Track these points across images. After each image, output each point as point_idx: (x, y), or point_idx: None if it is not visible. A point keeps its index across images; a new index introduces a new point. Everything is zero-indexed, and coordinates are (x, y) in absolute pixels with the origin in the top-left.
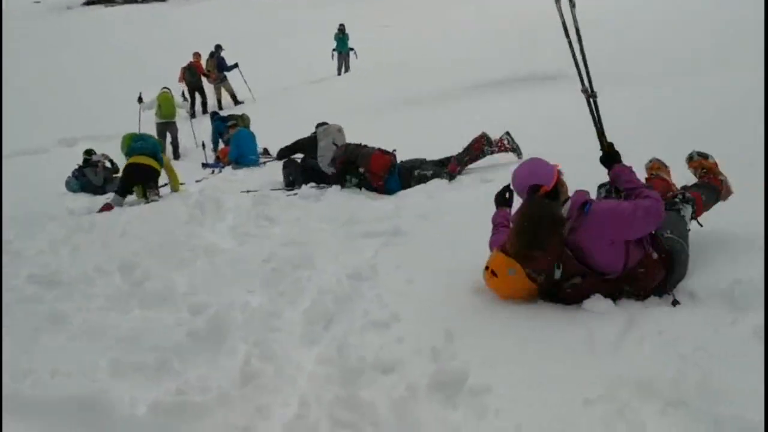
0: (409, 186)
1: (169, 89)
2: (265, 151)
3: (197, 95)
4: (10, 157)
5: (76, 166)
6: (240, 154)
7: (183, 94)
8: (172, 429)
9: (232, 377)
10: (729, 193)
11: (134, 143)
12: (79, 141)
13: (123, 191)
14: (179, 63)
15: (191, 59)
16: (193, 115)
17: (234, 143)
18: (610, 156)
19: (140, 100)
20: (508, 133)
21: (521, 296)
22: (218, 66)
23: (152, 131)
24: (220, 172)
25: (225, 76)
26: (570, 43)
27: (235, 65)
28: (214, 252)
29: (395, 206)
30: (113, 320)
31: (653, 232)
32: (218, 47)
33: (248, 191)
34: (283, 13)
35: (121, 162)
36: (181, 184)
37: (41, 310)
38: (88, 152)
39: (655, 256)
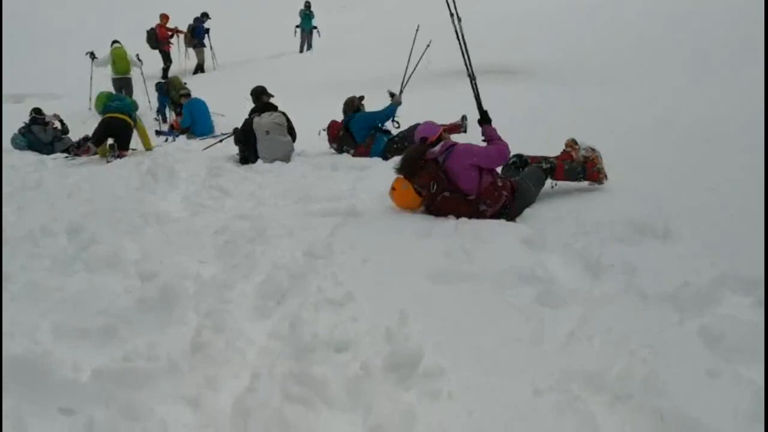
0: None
1: (120, 44)
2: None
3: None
4: None
5: (23, 123)
6: (193, 122)
7: (137, 56)
8: (117, 396)
9: (182, 347)
10: (601, 178)
11: (111, 102)
12: (27, 98)
13: (98, 141)
14: (141, 22)
15: (158, 21)
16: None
17: (186, 112)
18: (483, 118)
19: (92, 56)
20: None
21: (412, 207)
22: (192, 31)
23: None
24: (174, 140)
25: (199, 42)
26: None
27: (206, 31)
28: (165, 220)
29: (352, 187)
30: (58, 282)
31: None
32: (204, 15)
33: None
34: None
35: (72, 123)
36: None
37: None
38: (37, 111)
39: (500, 183)
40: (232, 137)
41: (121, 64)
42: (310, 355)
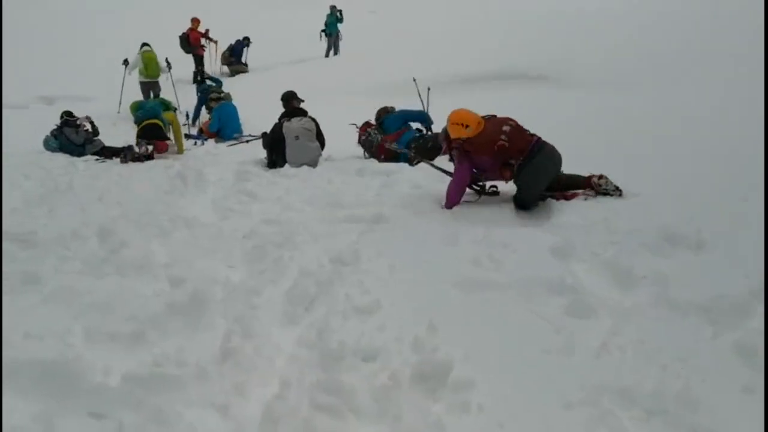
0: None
1: (150, 47)
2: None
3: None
4: None
5: (55, 126)
6: (221, 127)
7: (167, 59)
8: (146, 401)
9: (211, 353)
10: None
11: (138, 113)
12: (58, 100)
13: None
14: (169, 27)
15: (190, 25)
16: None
17: (216, 116)
18: None
19: (126, 63)
20: None
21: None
22: (231, 50)
23: (136, 93)
24: (203, 144)
25: (236, 61)
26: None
27: (246, 43)
28: (194, 224)
29: (378, 192)
30: (89, 285)
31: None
32: (246, 39)
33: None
34: None
35: (102, 125)
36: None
37: (14, 269)
38: (68, 113)
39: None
40: (261, 141)
41: (151, 67)
42: (337, 363)
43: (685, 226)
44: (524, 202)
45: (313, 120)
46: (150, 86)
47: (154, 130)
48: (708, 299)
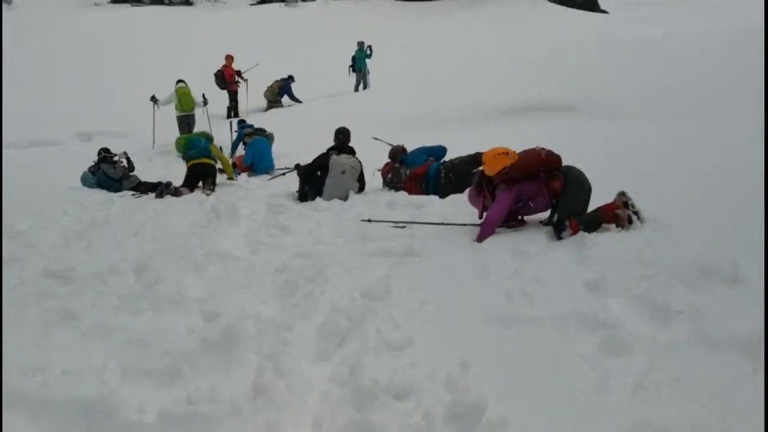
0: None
1: (185, 83)
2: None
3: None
4: (27, 148)
5: (93, 162)
6: (255, 161)
7: (203, 95)
8: None
9: (243, 390)
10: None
11: (189, 151)
12: (96, 136)
13: (190, 186)
14: (203, 65)
15: (224, 62)
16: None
17: (249, 150)
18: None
19: (154, 99)
20: None
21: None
22: (281, 91)
23: (169, 128)
24: (236, 179)
25: (280, 101)
26: None
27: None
28: (227, 258)
29: (409, 226)
30: (125, 321)
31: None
32: (290, 77)
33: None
34: (303, 24)
35: (138, 160)
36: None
37: (54, 305)
38: (106, 150)
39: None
40: (295, 172)
41: (186, 101)
42: (370, 402)
43: (719, 259)
44: (576, 209)
45: (360, 162)
46: (186, 119)
47: (206, 169)
48: (745, 334)
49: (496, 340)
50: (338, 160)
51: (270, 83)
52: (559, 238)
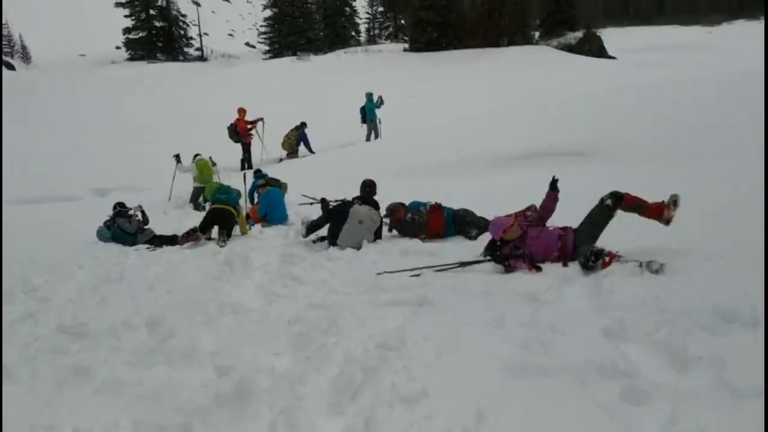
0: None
1: (202, 155)
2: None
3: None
4: (44, 203)
5: (108, 217)
6: (268, 212)
7: (210, 158)
8: None
9: None
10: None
11: (219, 195)
12: (112, 191)
13: (203, 229)
14: (217, 119)
15: (237, 116)
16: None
17: (263, 202)
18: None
19: (178, 159)
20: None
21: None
22: (299, 139)
23: (184, 181)
24: (249, 229)
25: (297, 150)
26: None
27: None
28: (240, 310)
29: (422, 274)
30: (138, 376)
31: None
32: (303, 124)
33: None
34: (316, 76)
35: (153, 214)
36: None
37: (67, 362)
38: (121, 204)
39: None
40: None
41: (206, 172)
42: None
43: (739, 302)
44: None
45: (380, 217)
46: (202, 190)
47: (226, 217)
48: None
49: (512, 391)
50: (359, 210)
51: (287, 133)
52: (590, 266)
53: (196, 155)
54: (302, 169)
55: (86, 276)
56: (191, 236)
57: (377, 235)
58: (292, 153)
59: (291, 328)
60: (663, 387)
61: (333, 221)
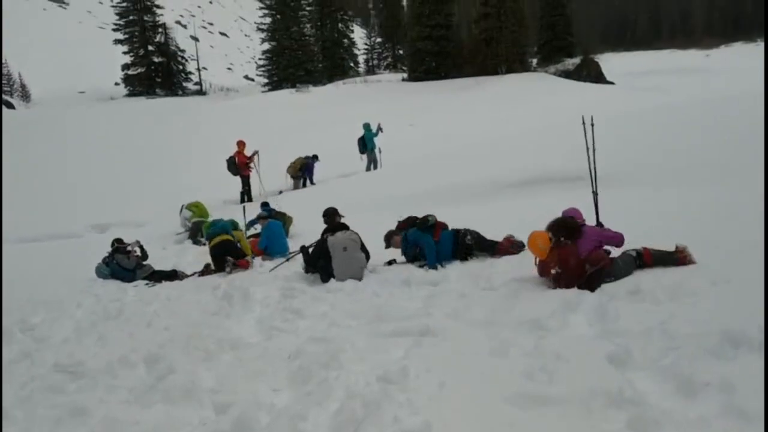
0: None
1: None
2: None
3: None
4: (44, 242)
5: (107, 253)
6: (269, 244)
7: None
8: None
9: None
10: (690, 261)
11: (212, 230)
12: (111, 227)
13: (217, 266)
14: (216, 153)
15: (236, 149)
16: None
17: (264, 234)
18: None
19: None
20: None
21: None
22: (303, 168)
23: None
24: (252, 260)
25: (301, 176)
26: None
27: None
28: (240, 346)
29: (424, 304)
30: (135, 415)
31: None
32: (315, 156)
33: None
34: (315, 107)
35: (152, 249)
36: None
37: (63, 401)
38: (118, 240)
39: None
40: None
41: (201, 207)
42: None
43: (746, 326)
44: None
45: (357, 233)
46: (200, 224)
47: (227, 246)
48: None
49: (518, 422)
50: (335, 240)
51: (295, 160)
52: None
53: (183, 206)
54: (302, 200)
55: (84, 314)
56: (207, 272)
57: (364, 250)
58: (296, 179)
59: (291, 362)
60: (671, 414)
61: (321, 262)
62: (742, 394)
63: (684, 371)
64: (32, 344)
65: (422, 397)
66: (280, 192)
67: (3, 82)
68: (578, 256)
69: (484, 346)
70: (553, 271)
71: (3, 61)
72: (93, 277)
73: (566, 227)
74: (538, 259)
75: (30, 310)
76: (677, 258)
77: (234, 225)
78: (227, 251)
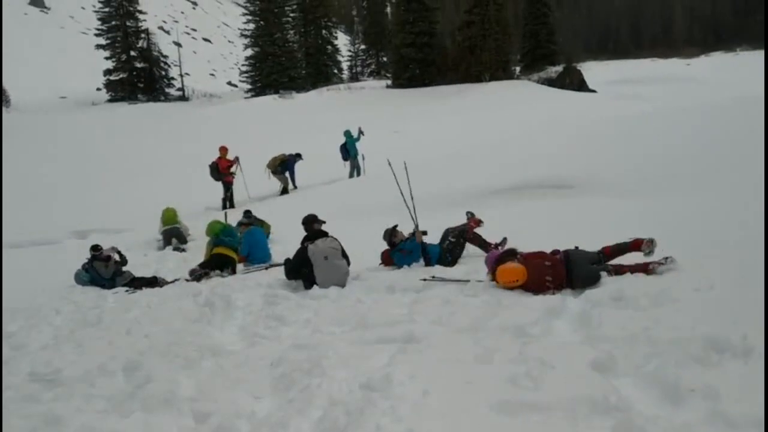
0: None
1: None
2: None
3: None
4: (24, 248)
5: (86, 259)
6: (251, 251)
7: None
8: None
9: None
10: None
11: (224, 237)
12: (91, 233)
13: (211, 267)
14: (199, 158)
15: (218, 154)
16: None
17: (245, 241)
18: None
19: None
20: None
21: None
22: (284, 164)
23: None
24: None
25: (282, 171)
26: None
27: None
28: (221, 353)
29: (408, 311)
30: (113, 425)
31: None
32: (298, 155)
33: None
34: (298, 114)
35: (133, 255)
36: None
37: (38, 411)
38: (95, 247)
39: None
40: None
41: (167, 215)
42: None
43: (729, 332)
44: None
45: (337, 240)
46: (171, 232)
47: (227, 261)
48: (764, 412)
49: (501, 429)
50: (315, 249)
51: (276, 155)
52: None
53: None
54: (284, 207)
55: (63, 321)
56: (198, 274)
57: (345, 257)
58: (276, 174)
59: (273, 370)
60: (657, 421)
61: (303, 270)
62: (726, 400)
63: (668, 377)
64: (9, 352)
65: (406, 404)
66: (283, 191)
67: None
68: (540, 252)
69: (468, 352)
70: (548, 278)
71: None
72: (72, 283)
73: (507, 252)
74: (523, 282)
75: (8, 317)
76: (629, 244)
77: (239, 241)
78: (225, 265)
